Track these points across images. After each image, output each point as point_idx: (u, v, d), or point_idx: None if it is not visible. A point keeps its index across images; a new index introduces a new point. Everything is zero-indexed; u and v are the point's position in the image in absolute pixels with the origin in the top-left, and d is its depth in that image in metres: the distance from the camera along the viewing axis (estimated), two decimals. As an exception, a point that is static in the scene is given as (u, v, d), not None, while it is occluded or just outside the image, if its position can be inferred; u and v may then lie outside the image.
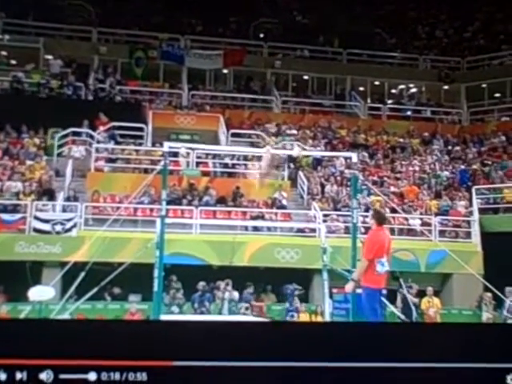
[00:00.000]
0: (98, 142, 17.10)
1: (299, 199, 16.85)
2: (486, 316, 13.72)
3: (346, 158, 17.29)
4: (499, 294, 11.30)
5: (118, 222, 11.82)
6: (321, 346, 3.40)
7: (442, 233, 15.63)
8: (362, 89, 23.53)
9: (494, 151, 19.50)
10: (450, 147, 20.26)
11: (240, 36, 23.34)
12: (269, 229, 15.13)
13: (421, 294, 13.25)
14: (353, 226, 9.40)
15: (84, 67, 20.66)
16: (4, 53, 20.62)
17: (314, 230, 14.62)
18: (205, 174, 16.82)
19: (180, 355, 3.18)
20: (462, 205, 16.52)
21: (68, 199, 14.95)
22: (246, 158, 17.35)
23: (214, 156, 17.35)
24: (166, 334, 3.25)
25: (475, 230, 15.84)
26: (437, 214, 16.02)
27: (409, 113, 22.89)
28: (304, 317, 13.24)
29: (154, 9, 23.45)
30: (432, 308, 13.16)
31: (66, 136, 17.06)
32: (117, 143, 17.38)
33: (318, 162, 17.93)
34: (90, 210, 14.62)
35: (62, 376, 3.06)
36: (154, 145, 17.48)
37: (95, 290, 9.90)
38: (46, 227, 13.98)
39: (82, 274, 9.75)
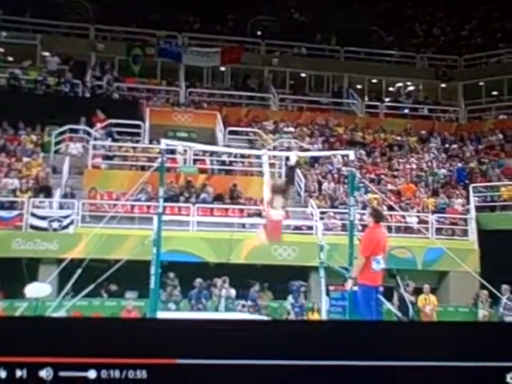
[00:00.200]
0: (95, 139, 17.07)
1: (296, 196, 16.85)
2: (482, 313, 13.76)
3: (343, 156, 17.29)
4: (495, 291, 11.32)
5: (115, 219, 11.79)
6: (320, 344, 3.41)
7: (438, 230, 15.66)
8: (359, 87, 23.54)
9: (492, 149, 19.53)
10: (447, 145, 20.28)
11: (237, 33, 23.32)
12: (266, 226, 15.12)
13: (417, 291, 13.29)
14: (350, 223, 9.41)
15: (81, 64, 20.62)
16: (1, 49, 20.56)
17: (311, 228, 14.63)
18: (202, 171, 16.81)
19: (181, 353, 3.18)
20: (459, 203, 16.55)
21: (65, 196, 14.94)
22: (243, 155, 17.35)
23: (212, 153, 17.34)
24: (166, 331, 3.25)
25: (472, 228, 15.87)
26: (434, 212, 16.04)
27: (406, 111, 22.91)
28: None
29: (151, 6, 23.43)
30: (428, 305, 13.20)
31: (63, 133, 17.02)
32: (114, 140, 17.36)
33: (315, 160, 17.94)
34: (87, 207, 14.60)
35: (62, 373, 3.06)
36: (151, 142, 17.46)
37: (92, 286, 9.87)
38: (43, 224, 13.98)
39: (79, 271, 9.73)
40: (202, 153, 17.29)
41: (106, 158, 16.61)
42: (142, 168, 15.64)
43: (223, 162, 17.26)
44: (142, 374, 3.11)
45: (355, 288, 7.89)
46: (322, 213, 15.35)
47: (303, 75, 23.44)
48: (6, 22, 20.58)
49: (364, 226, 10.26)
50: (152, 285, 9.12)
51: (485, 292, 13.40)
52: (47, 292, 10.55)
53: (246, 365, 3.26)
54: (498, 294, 11.90)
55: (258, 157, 17.29)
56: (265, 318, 11.42)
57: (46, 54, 20.33)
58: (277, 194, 7.79)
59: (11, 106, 17.02)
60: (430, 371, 3.50)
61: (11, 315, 8.44)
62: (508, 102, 22.14)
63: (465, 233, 15.95)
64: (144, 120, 18.23)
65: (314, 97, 22.60)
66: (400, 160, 18.78)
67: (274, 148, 17.34)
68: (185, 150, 16.69)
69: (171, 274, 13.54)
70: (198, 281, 13.49)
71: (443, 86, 23.83)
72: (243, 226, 14.77)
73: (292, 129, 19.69)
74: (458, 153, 19.65)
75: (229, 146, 17.29)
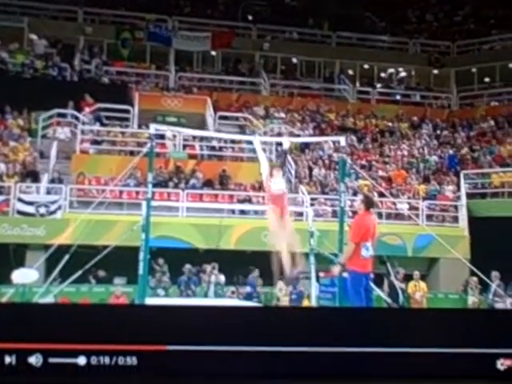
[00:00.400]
0: (84, 123, 16.87)
1: (287, 182, 16.73)
2: (472, 300, 13.81)
3: (334, 142, 17.20)
4: (485, 278, 11.32)
5: (104, 204, 11.68)
6: (311, 330, 3.38)
7: (429, 217, 15.66)
8: (351, 72, 23.39)
9: (483, 136, 19.51)
10: (438, 132, 20.24)
11: (228, 18, 23.06)
12: (256, 212, 15.04)
13: (407, 278, 13.27)
14: (340, 209, 9.35)
15: (69, 48, 20.29)
16: (-13, 32, 20.21)
17: (301, 214, 14.56)
18: (192, 156, 16.67)
19: (171, 339, 3.16)
20: (450, 189, 16.55)
21: (52, 181, 14.77)
22: (233, 141, 17.21)
23: (202, 139, 17.20)
24: (156, 318, 3.25)
25: (463, 215, 15.88)
26: (424, 199, 16.02)
27: (398, 97, 22.82)
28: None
29: (141, -11, 23.07)
30: (418, 292, 13.20)
31: (50, 117, 16.81)
32: (102, 125, 17.17)
33: (305, 145, 17.83)
34: (75, 192, 14.47)
35: (52, 360, 3.08)
36: (140, 127, 17.30)
37: (79, 272, 9.80)
38: (30, 209, 13.82)
39: (67, 257, 9.63)
40: (191, 138, 17.14)
41: (95, 142, 16.43)
42: (131, 153, 15.48)
43: (213, 148, 17.12)
44: (132, 361, 3.13)
45: (345, 274, 7.89)
46: (313, 199, 15.28)
47: (294, 60, 23.25)
48: (-8, 4, 20.22)
49: (354, 213, 10.21)
50: (141, 271, 9.05)
51: (474, 279, 13.43)
52: (34, 278, 10.47)
53: (236, 351, 3.22)
54: (488, 281, 11.91)
55: (249, 142, 17.19)
56: (255, 304, 11.38)
57: (34, 36, 19.99)
58: (275, 167, 7.86)
59: (-3, 89, 16.77)
60: (421, 357, 3.46)
61: (-2, 302, 8.37)
62: (500, 89, 22.11)
63: (455, 219, 15.96)
64: (133, 104, 18.03)
65: (306, 82, 22.42)
66: (391, 146, 18.72)
67: (265, 134, 17.21)
68: (174, 136, 16.54)
69: (160, 260, 13.45)
70: (187, 267, 13.42)
71: (435, 72, 23.73)
72: (233, 211, 14.69)
73: (283, 114, 19.56)
74: (449, 139, 19.62)
75: (219, 132, 17.12)
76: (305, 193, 15.34)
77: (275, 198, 7.93)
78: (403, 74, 24.22)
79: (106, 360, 3.15)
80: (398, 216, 15.52)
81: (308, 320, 3.63)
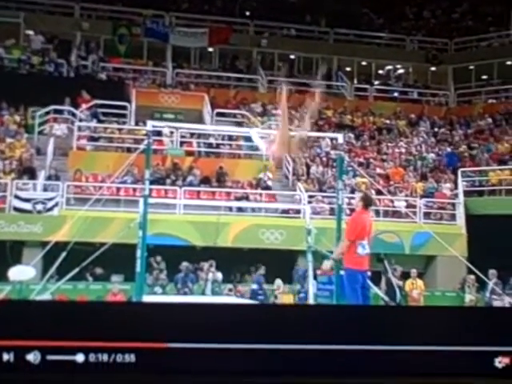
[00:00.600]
0: (81, 120, 16.82)
1: (284, 180, 16.75)
2: (469, 298, 13.82)
3: (331, 139, 17.19)
4: (482, 276, 11.31)
5: (101, 201, 11.62)
6: (308, 328, 3.37)
7: (426, 215, 15.65)
8: (348, 69, 23.37)
9: (481, 134, 19.51)
10: (436, 129, 20.23)
11: (226, 14, 23.00)
12: (253, 209, 15.04)
13: (405, 275, 13.28)
14: (338, 207, 9.32)
15: (66, 43, 20.24)
16: (-17, 28, 20.12)
17: (298, 212, 14.55)
18: (189, 153, 16.63)
19: (170, 337, 3.16)
20: (448, 187, 16.55)
21: (49, 178, 14.73)
22: (230, 137, 17.19)
23: (199, 136, 17.16)
24: (155, 315, 3.26)
25: (460, 213, 15.89)
26: (422, 196, 16.02)
27: (395, 94, 22.81)
28: (288, 298, 13.22)
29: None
30: (416, 290, 13.22)
31: (47, 114, 16.75)
32: (99, 121, 17.13)
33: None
34: (72, 189, 14.41)
35: (50, 357, 3.05)
36: (137, 123, 17.25)
37: (77, 270, 9.75)
38: (27, 206, 13.77)
39: (64, 254, 9.59)
40: (189, 135, 17.11)
41: (92, 139, 16.38)
42: (128, 150, 15.44)
43: (210, 145, 17.09)
44: (130, 358, 3.11)
45: (342, 272, 7.89)
46: (310, 196, 15.27)
47: (292, 57, 23.21)
48: (-12, 0, 20.12)
49: (352, 210, 10.18)
50: (138, 268, 9.01)
51: (472, 277, 13.44)
52: (31, 275, 10.41)
53: (236, 349, 3.21)
54: (485, 279, 11.90)
55: (246, 139, 17.17)
56: (252, 302, 11.35)
57: (30, 32, 19.93)
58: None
59: (-6, 85, 16.69)
60: (419, 355, 3.45)
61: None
62: (498, 86, 22.11)
63: (453, 217, 15.97)
64: (130, 101, 17.99)
65: (303, 79, 22.39)
66: (389, 144, 18.72)
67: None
68: (171, 132, 16.51)
69: (157, 258, 13.43)
70: (185, 264, 13.39)
71: (433, 69, 23.73)
72: (230, 209, 14.67)
73: (280, 111, 19.47)
74: (447, 137, 19.61)
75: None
76: (302, 190, 15.33)
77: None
78: (401, 70, 24.23)
79: (105, 357, 3.14)
80: (396, 214, 15.51)
81: (307, 317, 3.62)
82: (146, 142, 9.32)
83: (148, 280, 12.62)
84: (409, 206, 15.39)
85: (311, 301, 10.83)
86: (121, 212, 13.77)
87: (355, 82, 22.95)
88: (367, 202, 7.70)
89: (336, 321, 3.53)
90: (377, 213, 14.91)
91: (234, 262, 14.17)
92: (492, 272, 12.74)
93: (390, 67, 24.09)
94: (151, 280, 13.08)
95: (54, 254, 9.82)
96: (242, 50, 22.54)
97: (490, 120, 19.95)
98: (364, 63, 23.62)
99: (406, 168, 17.48)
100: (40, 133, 16.51)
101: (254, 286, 13.29)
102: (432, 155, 18.29)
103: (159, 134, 16.03)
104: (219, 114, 18.43)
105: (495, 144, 18.30)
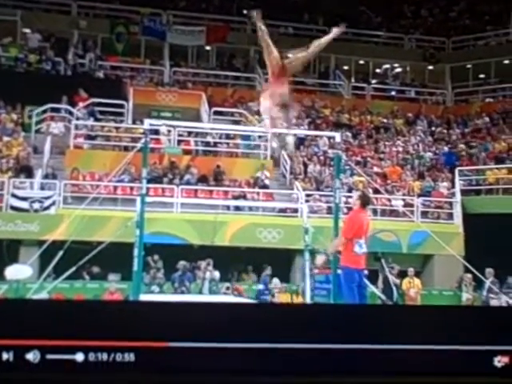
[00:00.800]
0: (78, 118, 16.79)
1: (281, 179, 16.74)
2: (466, 297, 13.84)
3: (329, 138, 17.19)
4: (479, 275, 11.34)
5: (98, 200, 11.62)
6: (308, 327, 3.37)
7: (424, 214, 15.67)
8: (346, 68, 23.36)
9: (478, 132, 19.54)
10: (433, 128, 20.25)
11: (223, 12, 22.97)
12: (250, 208, 15.03)
13: (402, 274, 13.29)
14: (335, 206, 9.33)
15: (63, 42, 20.19)
16: (-20, 26, 20.05)
17: (296, 210, 14.55)
18: (186, 152, 16.61)
19: (170, 336, 3.15)
20: (445, 186, 16.56)
21: (46, 177, 14.69)
22: (228, 136, 17.17)
23: (196, 134, 17.15)
24: (154, 315, 3.26)
25: (457, 212, 15.90)
26: (419, 195, 16.04)
27: (393, 93, 22.81)
28: (285, 297, 13.21)
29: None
30: (413, 289, 13.22)
31: (44, 112, 16.71)
32: (96, 120, 17.09)
33: (300, 142, 17.81)
34: (69, 187, 14.38)
35: (49, 356, 3.05)
36: (134, 122, 17.24)
37: (74, 268, 9.74)
38: (24, 205, 13.74)
39: (61, 253, 9.58)
40: (186, 133, 17.09)
41: (89, 137, 16.35)
42: (125, 148, 15.40)
43: (208, 143, 17.08)
44: (129, 357, 3.10)
45: (339, 271, 7.91)
46: (308, 195, 15.27)
47: (290, 55, 23.16)
48: (-16, -2, 20.05)
49: (349, 209, 10.19)
50: (135, 267, 9.00)
51: (469, 275, 13.46)
52: (28, 274, 10.39)
53: (236, 348, 3.21)
54: (482, 278, 11.93)
55: (244, 138, 17.17)
56: (250, 300, 11.35)
57: (27, 30, 19.87)
58: (278, 106, 6.88)
59: (-9, 83, 16.64)
60: (418, 354, 3.45)
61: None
62: (495, 85, 22.14)
63: (450, 216, 15.99)
64: (127, 99, 17.96)
65: (300, 78, 22.37)
66: (386, 142, 18.73)
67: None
68: (169, 131, 16.49)
69: (155, 257, 13.41)
70: (182, 263, 13.38)
71: (430, 68, 23.74)
72: (228, 207, 14.66)
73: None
74: (444, 136, 19.63)
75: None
76: (300, 189, 15.33)
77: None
78: (398, 69, 24.24)
79: (104, 356, 3.14)
80: (393, 212, 15.52)
81: (307, 316, 3.63)
82: (143, 140, 9.32)
83: (145, 279, 12.60)
84: (406, 204, 15.39)
85: (308, 300, 10.84)
86: (118, 211, 13.76)
87: (353, 80, 22.94)
88: (365, 201, 7.74)
89: (335, 320, 3.53)
90: (374, 212, 14.92)
91: (232, 261, 14.16)
92: (489, 271, 12.76)
93: (387, 66, 24.09)
94: (148, 279, 13.07)
95: (51, 253, 9.82)
96: (240, 48, 22.50)
97: (487, 119, 19.98)
98: (361, 62, 23.62)
99: (404, 167, 17.50)
100: (37, 131, 16.47)
101: (261, 286, 13.32)
102: (429, 154, 18.31)
103: (156, 132, 16.01)
104: (217, 113, 18.41)
105: (492, 143, 18.32)
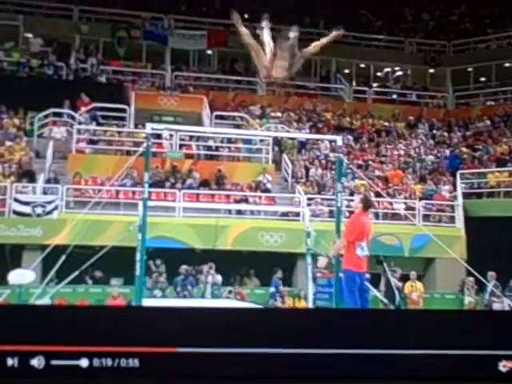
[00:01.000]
0: (80, 123, 16.81)
1: (283, 182, 16.75)
2: (468, 300, 13.83)
3: (330, 142, 17.19)
4: (481, 278, 11.33)
5: (100, 204, 11.63)
6: (314, 332, 3.37)
7: (425, 217, 15.66)
8: (347, 71, 23.38)
9: (479, 136, 19.53)
10: (434, 131, 20.25)
11: (224, 16, 22.95)
12: (252, 212, 15.03)
13: (404, 278, 13.28)
14: (337, 209, 9.33)
15: (65, 46, 20.21)
16: (-18, 31, 20.09)
17: (298, 214, 14.55)
18: (188, 156, 16.63)
19: (175, 342, 3.17)
20: (446, 189, 16.55)
21: (49, 181, 14.71)
22: (230, 140, 17.19)
23: (198, 138, 17.17)
24: (158, 320, 3.27)
25: (459, 215, 15.89)
26: (421, 199, 16.03)
27: (394, 96, 22.82)
28: (287, 301, 13.21)
29: (136, -13, 22.97)
30: (415, 292, 13.22)
31: (46, 117, 16.74)
32: (99, 124, 17.11)
33: (302, 145, 17.82)
34: (72, 192, 14.40)
35: (54, 362, 3.05)
36: (136, 126, 17.24)
37: (76, 273, 9.74)
38: (27, 210, 13.75)
39: (63, 258, 9.58)
40: (188, 138, 17.11)
41: (91, 142, 16.37)
42: (128, 153, 15.42)
43: (209, 148, 17.09)
44: (134, 363, 3.12)
45: (341, 275, 7.89)
46: (309, 199, 15.26)
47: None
48: (-14, 3, 20.11)
49: (351, 213, 10.18)
50: (137, 271, 8.99)
51: (471, 279, 13.45)
52: (31, 279, 10.38)
53: (240, 353, 3.21)
54: (484, 281, 11.92)
55: (245, 142, 17.18)
56: (253, 305, 11.34)
57: (29, 35, 19.91)
58: (283, 51, 6.86)
59: (-7, 88, 16.68)
60: (423, 359, 3.45)
61: (1, 304, 8.32)
62: (496, 89, 22.15)
63: (452, 219, 15.97)
64: (129, 104, 17.98)
65: (302, 81, 22.40)
66: (388, 146, 18.73)
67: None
68: (171, 135, 16.50)
69: (157, 261, 13.41)
70: (184, 267, 13.38)
71: (431, 71, 23.75)
72: (229, 212, 14.66)
73: (279, 114, 19.53)
74: (445, 139, 19.63)
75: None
76: (301, 193, 15.33)
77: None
78: (399, 73, 24.25)
79: (109, 362, 3.14)
80: (395, 216, 15.52)
81: (312, 321, 3.63)
82: (145, 144, 9.31)
83: (147, 283, 12.60)
84: (408, 208, 15.39)
85: (310, 304, 10.83)
86: (120, 215, 13.75)
87: (354, 84, 22.95)
88: (366, 204, 7.74)
89: (338, 325, 3.52)
90: (376, 215, 14.92)
91: (234, 265, 14.15)
92: (491, 274, 12.75)
93: (388, 69, 24.11)
94: (151, 283, 13.06)
95: (54, 258, 9.81)
96: (241, 52, 22.41)
97: (488, 122, 19.98)
98: (362, 65, 23.63)
99: (405, 170, 17.49)
100: (39, 136, 16.49)
101: (272, 289, 13.34)
102: (431, 157, 18.30)
103: (158, 136, 16.03)
104: (218, 117, 18.43)
105: (494, 146, 18.31)
